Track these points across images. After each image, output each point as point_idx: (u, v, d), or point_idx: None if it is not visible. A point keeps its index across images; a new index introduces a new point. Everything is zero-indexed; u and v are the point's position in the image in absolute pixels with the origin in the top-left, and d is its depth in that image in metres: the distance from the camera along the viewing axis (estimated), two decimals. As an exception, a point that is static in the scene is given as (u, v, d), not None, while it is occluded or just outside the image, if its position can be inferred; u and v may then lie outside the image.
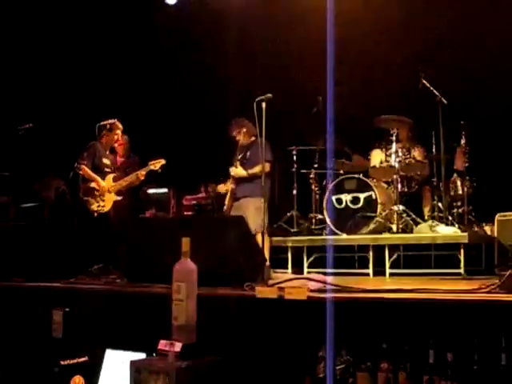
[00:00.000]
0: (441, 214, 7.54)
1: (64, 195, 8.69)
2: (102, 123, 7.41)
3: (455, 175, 7.78)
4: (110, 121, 7.45)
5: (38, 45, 9.74)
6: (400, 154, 7.80)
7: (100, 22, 9.85)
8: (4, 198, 8.57)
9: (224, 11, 9.29)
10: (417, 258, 7.22)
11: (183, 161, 9.32)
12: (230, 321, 4.01)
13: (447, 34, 8.28)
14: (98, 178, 7.22)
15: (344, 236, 7.68)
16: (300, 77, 8.82)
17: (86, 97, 9.89)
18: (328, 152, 8.29)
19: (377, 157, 8.01)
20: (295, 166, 8.79)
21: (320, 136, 8.34)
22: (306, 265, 7.72)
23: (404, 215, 7.58)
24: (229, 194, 7.80)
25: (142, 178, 7.46)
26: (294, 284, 4.31)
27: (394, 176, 7.81)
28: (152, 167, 7.46)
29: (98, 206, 7.19)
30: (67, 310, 4.76)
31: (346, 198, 7.90)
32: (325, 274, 5.24)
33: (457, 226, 7.22)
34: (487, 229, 7.27)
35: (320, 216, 8.42)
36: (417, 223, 7.50)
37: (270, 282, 4.62)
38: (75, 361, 4.44)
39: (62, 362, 4.42)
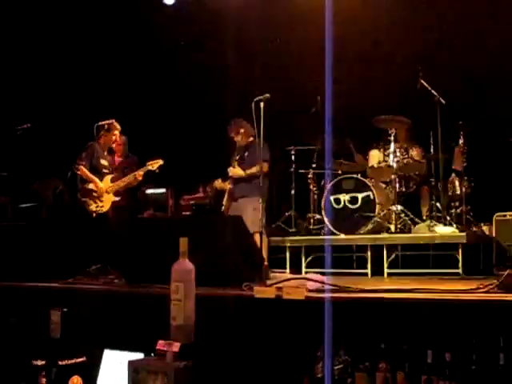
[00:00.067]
0: (439, 214, 7.54)
1: (62, 195, 8.68)
2: (99, 123, 7.40)
3: (453, 175, 7.79)
4: (108, 121, 7.44)
5: (36, 45, 9.73)
6: (398, 153, 7.80)
7: (98, 23, 9.83)
8: (2, 198, 8.56)
9: (222, 11, 9.28)
10: (415, 257, 7.22)
11: (181, 161, 9.31)
12: (229, 321, 4.01)
13: (445, 35, 8.29)
14: (96, 179, 7.21)
15: (342, 236, 7.67)
16: (298, 77, 8.82)
17: (85, 97, 9.88)
18: (326, 152, 8.29)
19: (375, 157, 8.01)
20: (293, 166, 8.80)
21: (318, 136, 8.35)
22: (304, 265, 7.72)
23: (402, 215, 7.58)
24: (227, 194, 7.80)
25: (140, 178, 7.45)
26: (292, 284, 4.31)
27: (392, 176, 7.82)
28: (150, 167, 7.45)
29: (97, 207, 7.19)
30: (65, 310, 4.75)
31: (344, 197, 7.90)
32: (323, 273, 5.24)
33: (455, 225, 7.22)
34: (485, 229, 7.27)
35: (318, 216, 8.42)
36: (415, 223, 7.51)
37: (268, 281, 4.62)
38: (73, 361, 4.43)
39: (60, 363, 4.42)
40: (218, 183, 8.15)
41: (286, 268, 7.72)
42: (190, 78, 10.00)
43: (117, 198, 7.34)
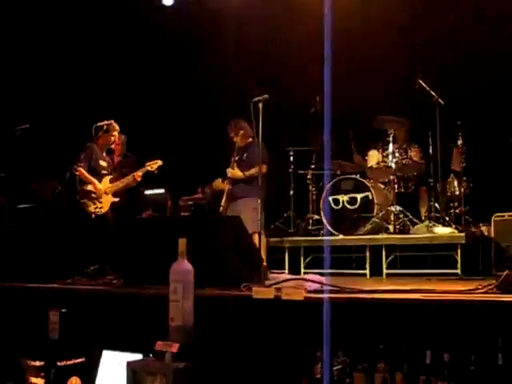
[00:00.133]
0: (438, 215, 7.54)
1: (60, 196, 8.67)
2: (98, 124, 7.38)
3: (452, 176, 7.79)
4: (107, 122, 7.42)
5: (35, 46, 9.73)
6: (397, 154, 7.81)
7: (96, 23, 9.84)
8: (0, 199, 8.55)
9: (221, 12, 9.29)
10: (414, 258, 7.21)
11: (180, 162, 9.31)
12: (227, 321, 4.01)
13: (444, 35, 8.28)
14: (95, 181, 7.19)
15: (341, 236, 7.68)
16: (297, 77, 8.81)
17: (83, 97, 9.88)
18: (325, 153, 8.29)
19: (374, 157, 8.01)
20: (292, 166, 8.80)
21: (317, 136, 8.35)
22: (302, 265, 7.72)
23: (401, 216, 7.59)
24: (225, 195, 7.80)
25: (139, 179, 7.43)
26: (291, 284, 4.31)
27: (391, 176, 7.82)
28: (149, 168, 7.43)
29: (96, 208, 7.17)
30: (64, 310, 4.74)
31: (343, 198, 7.90)
32: (322, 274, 5.25)
33: (454, 226, 7.22)
34: (484, 229, 7.27)
35: (317, 216, 8.43)
36: (414, 224, 7.51)
37: (267, 282, 4.63)
38: (72, 362, 4.43)
39: (58, 363, 4.41)
40: (218, 183, 8.14)
41: (284, 268, 7.72)
42: (188, 79, 10.00)
43: (116, 199, 7.33)
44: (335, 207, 7.94)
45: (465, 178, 7.64)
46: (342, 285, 4.35)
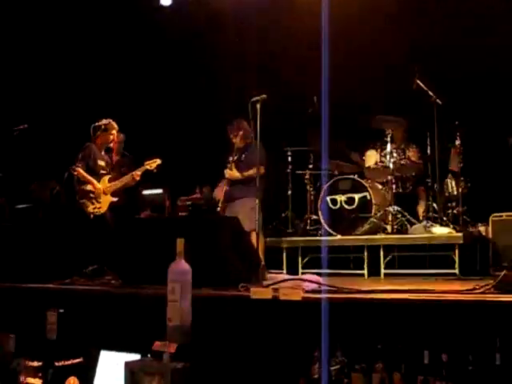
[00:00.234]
0: (435, 215, 7.54)
1: (59, 196, 8.66)
2: (96, 124, 7.38)
3: (450, 176, 7.79)
4: (105, 121, 7.42)
5: (33, 45, 9.72)
6: (395, 154, 7.81)
7: (95, 23, 9.83)
8: (-1, 199, 8.56)
9: (220, 12, 9.28)
10: (412, 258, 7.21)
11: (178, 162, 9.30)
12: (225, 321, 4.01)
13: (442, 35, 8.29)
14: (94, 181, 7.18)
15: (339, 237, 7.68)
16: (295, 77, 8.82)
17: (82, 97, 9.87)
18: (323, 153, 8.29)
19: (372, 157, 8.02)
20: (290, 166, 8.80)
21: (315, 137, 8.35)
22: (300, 265, 7.72)
23: (399, 216, 7.59)
24: (223, 196, 7.78)
25: (138, 178, 7.41)
26: (289, 285, 4.32)
27: (389, 177, 7.82)
28: (148, 167, 7.41)
29: (94, 208, 7.17)
30: (62, 311, 4.75)
31: (341, 198, 7.90)
32: (320, 274, 5.25)
33: (451, 226, 7.23)
34: (482, 229, 7.27)
35: (315, 217, 8.42)
36: (412, 224, 7.51)
37: (265, 282, 4.63)
38: (70, 362, 4.43)
39: (56, 364, 4.41)
40: (218, 193, 8.09)
41: (282, 269, 7.72)
42: (186, 79, 10.00)
43: (114, 199, 7.32)
44: (333, 207, 7.94)
45: (462, 178, 7.64)
46: (339, 285, 4.35)
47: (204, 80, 9.87)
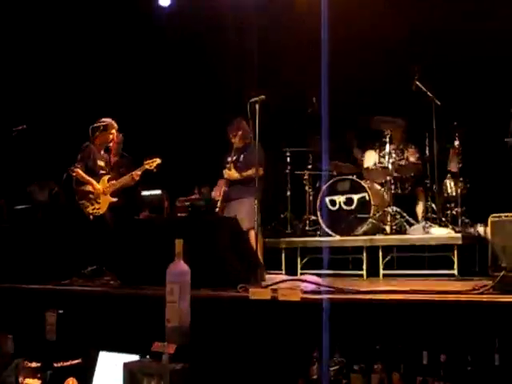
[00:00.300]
0: (434, 216, 7.55)
1: (58, 197, 8.66)
2: (95, 125, 7.36)
3: (449, 176, 7.79)
4: (105, 120, 7.40)
5: (32, 46, 9.71)
6: (394, 155, 7.82)
7: (94, 23, 9.83)
8: (-2, 200, 8.56)
9: (220, 12, 9.29)
10: (410, 259, 7.21)
11: (177, 163, 9.30)
12: (224, 322, 4.01)
13: (441, 35, 8.29)
14: (93, 181, 7.17)
15: (338, 237, 7.68)
16: (294, 78, 8.82)
17: (80, 98, 9.86)
18: (322, 153, 8.30)
19: (370, 158, 8.02)
20: (289, 167, 8.80)
21: (314, 137, 8.36)
22: (299, 266, 7.73)
23: (398, 216, 7.59)
24: (221, 196, 7.78)
25: (137, 178, 7.38)
26: (288, 285, 4.32)
27: (388, 177, 7.83)
28: (147, 167, 7.37)
29: (93, 209, 7.15)
30: (61, 312, 4.75)
31: (340, 199, 7.91)
32: (318, 275, 5.25)
33: (450, 227, 7.23)
34: (481, 230, 7.27)
35: (314, 217, 8.42)
36: (410, 224, 7.51)
37: (264, 283, 4.63)
38: (69, 363, 4.43)
39: (55, 365, 4.41)
40: (216, 194, 8.10)
41: (281, 269, 7.72)
42: (185, 79, 10.00)
43: (114, 200, 7.31)
44: (332, 208, 7.94)
45: (461, 179, 7.64)
46: (338, 285, 4.36)
47: (202, 80, 9.86)
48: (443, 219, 7.43)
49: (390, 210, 7.61)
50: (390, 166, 7.77)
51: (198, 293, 4.01)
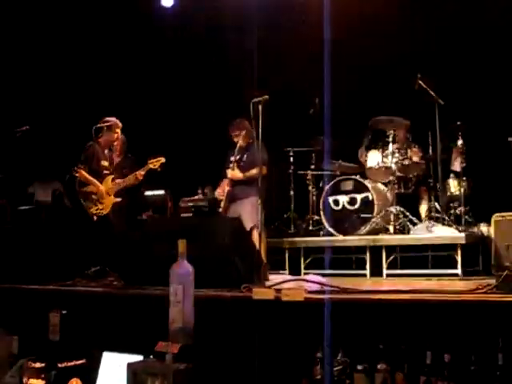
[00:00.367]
0: (438, 215, 7.54)
1: (61, 198, 8.67)
2: (100, 124, 7.36)
3: (452, 176, 7.79)
4: (110, 119, 7.40)
5: (35, 46, 9.73)
6: (397, 154, 7.80)
7: (96, 24, 9.84)
8: (0, 201, 8.56)
9: (221, 12, 9.29)
10: (414, 258, 7.21)
11: (180, 163, 9.31)
12: (227, 322, 4.01)
13: (444, 34, 8.28)
14: (96, 182, 7.16)
15: (341, 237, 7.68)
16: (297, 78, 8.82)
17: (83, 98, 9.87)
18: (325, 153, 8.30)
19: (374, 158, 8.01)
20: (292, 167, 8.80)
21: (317, 137, 8.36)
22: (303, 266, 7.72)
23: (401, 216, 7.58)
24: (225, 196, 7.79)
25: (141, 177, 7.37)
26: (291, 285, 4.32)
27: (391, 177, 7.82)
28: (151, 166, 7.36)
29: (97, 210, 7.15)
30: (64, 312, 4.75)
31: (343, 199, 7.91)
32: (322, 275, 5.25)
33: (454, 226, 7.22)
34: (484, 229, 7.26)
35: (317, 217, 8.42)
36: (414, 224, 7.50)
37: (267, 283, 4.63)
38: (72, 363, 4.43)
39: (59, 365, 4.41)
40: (219, 194, 8.09)
41: (284, 269, 7.73)
42: (188, 79, 10.01)
43: (118, 199, 7.31)
44: (335, 208, 7.94)
45: (465, 178, 7.63)
46: (342, 285, 4.35)
47: (205, 80, 9.86)
48: (446, 219, 7.42)
49: (393, 209, 7.60)
50: (393, 166, 7.76)
51: (202, 293, 4.01)
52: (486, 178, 7.74)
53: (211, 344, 3.83)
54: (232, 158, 7.82)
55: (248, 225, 6.41)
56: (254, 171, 7.35)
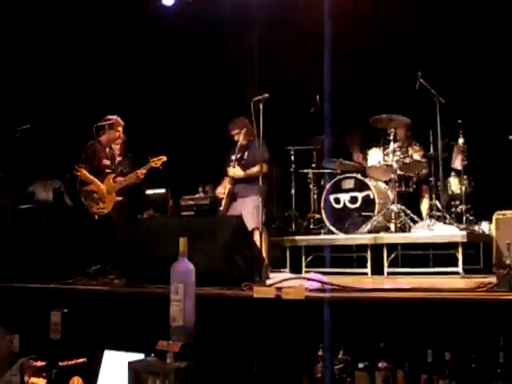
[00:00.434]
0: (439, 213, 7.54)
1: (62, 196, 8.67)
2: (101, 123, 7.35)
3: (453, 174, 7.79)
4: (111, 117, 7.40)
5: (35, 45, 9.72)
6: (398, 153, 7.80)
7: (97, 22, 9.83)
8: (1, 200, 8.56)
9: (222, 11, 9.29)
10: (415, 257, 7.22)
11: (181, 161, 9.30)
12: (228, 321, 4.01)
13: (445, 32, 8.28)
14: (97, 181, 7.15)
15: (342, 235, 7.68)
16: (297, 76, 8.81)
17: (84, 96, 9.87)
18: (325, 152, 8.30)
19: (375, 156, 8.01)
20: (293, 165, 8.80)
21: (318, 135, 8.36)
22: (304, 264, 7.72)
23: (402, 214, 7.58)
24: (226, 194, 7.79)
25: (142, 176, 7.36)
26: (292, 284, 4.31)
27: (392, 175, 7.81)
28: (153, 164, 7.34)
29: (98, 209, 7.14)
30: (65, 311, 4.75)
31: (344, 197, 7.91)
32: (323, 273, 5.24)
33: (455, 224, 7.22)
34: (485, 227, 7.26)
35: (318, 216, 8.42)
36: (415, 222, 7.50)
37: (268, 281, 4.62)
38: (74, 362, 4.43)
39: (60, 363, 4.41)
40: (220, 192, 8.07)
41: (285, 267, 7.72)
42: (188, 78, 10.00)
43: (119, 198, 7.31)
44: (336, 206, 7.94)
45: (466, 177, 7.63)
46: (343, 284, 4.35)
47: (205, 79, 9.86)
48: (448, 217, 7.42)
49: (394, 207, 7.60)
50: (394, 164, 7.76)
51: (203, 291, 4.01)
52: (487, 176, 7.74)
53: (212, 342, 3.82)
54: (233, 157, 7.82)
55: (249, 224, 6.40)
56: (255, 169, 7.35)
